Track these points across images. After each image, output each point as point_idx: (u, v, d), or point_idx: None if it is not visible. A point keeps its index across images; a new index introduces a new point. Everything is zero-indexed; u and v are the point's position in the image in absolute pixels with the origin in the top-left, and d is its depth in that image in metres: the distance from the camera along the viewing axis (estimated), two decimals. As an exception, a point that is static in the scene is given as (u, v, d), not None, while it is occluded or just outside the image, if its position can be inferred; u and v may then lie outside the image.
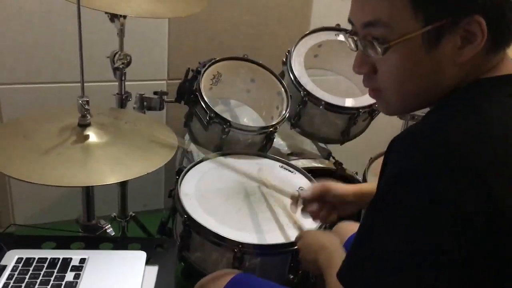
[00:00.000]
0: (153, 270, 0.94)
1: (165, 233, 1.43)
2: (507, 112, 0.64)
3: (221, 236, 1.14)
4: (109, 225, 1.26)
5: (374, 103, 1.59)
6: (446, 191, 0.58)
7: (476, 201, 0.58)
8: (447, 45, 0.65)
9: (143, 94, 1.53)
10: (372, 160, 1.80)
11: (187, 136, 1.71)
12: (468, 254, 0.59)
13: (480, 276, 0.61)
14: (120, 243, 1.01)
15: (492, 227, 0.58)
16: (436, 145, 0.61)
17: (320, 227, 1.22)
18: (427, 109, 0.74)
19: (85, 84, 1.07)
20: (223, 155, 1.45)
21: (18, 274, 0.88)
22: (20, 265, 0.90)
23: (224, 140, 1.45)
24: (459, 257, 0.59)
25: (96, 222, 1.25)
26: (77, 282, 0.88)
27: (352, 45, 0.73)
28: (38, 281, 0.87)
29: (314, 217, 1.13)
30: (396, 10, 0.65)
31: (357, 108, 1.57)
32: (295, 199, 1.15)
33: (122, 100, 1.50)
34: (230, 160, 1.43)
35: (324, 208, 1.11)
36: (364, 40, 0.70)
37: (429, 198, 0.59)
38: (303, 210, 1.14)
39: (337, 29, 1.67)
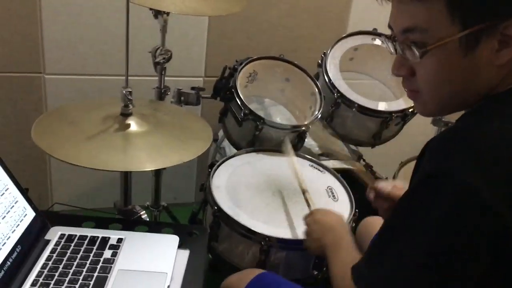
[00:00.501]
0: (185, 253, 0.99)
1: (195, 223, 1.48)
2: None
3: (249, 228, 1.18)
4: (144, 211, 1.32)
5: (407, 108, 1.60)
6: (478, 192, 0.60)
7: (503, 205, 0.60)
8: (484, 48, 0.67)
9: (181, 89, 1.58)
10: (402, 165, 1.80)
11: (221, 132, 1.76)
12: (492, 252, 0.61)
13: (498, 276, 0.63)
14: (155, 227, 1.06)
15: None
16: (470, 146, 0.63)
17: (348, 223, 1.24)
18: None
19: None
20: (255, 151, 1.49)
21: (60, 249, 0.95)
22: (63, 240, 0.97)
23: (257, 136, 1.49)
24: (485, 255, 0.62)
25: (132, 208, 1.31)
26: (114, 259, 0.93)
27: (392, 49, 0.76)
28: (79, 256, 0.93)
29: (379, 208, 1.13)
30: (434, 16, 0.67)
31: (390, 112, 1.58)
32: (373, 189, 1.12)
33: (161, 94, 1.56)
34: (262, 156, 1.47)
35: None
36: (403, 45, 0.72)
37: (461, 199, 0.61)
38: (374, 202, 1.12)
39: (374, 33, 1.69)
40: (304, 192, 1.23)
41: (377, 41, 1.69)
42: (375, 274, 0.69)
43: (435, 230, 0.63)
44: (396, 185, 1.09)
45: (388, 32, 0.77)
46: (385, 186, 1.09)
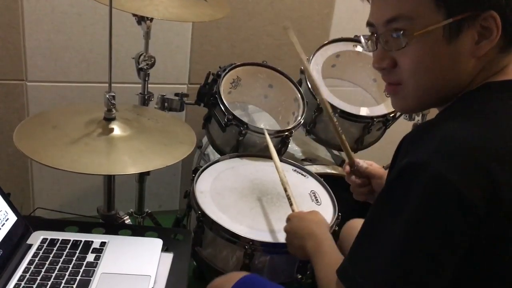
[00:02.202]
0: (169, 257, 0.99)
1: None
2: (510, 112, 0.69)
3: (233, 232, 1.18)
4: (128, 217, 1.32)
5: (388, 113, 1.63)
6: (452, 181, 0.62)
7: (480, 191, 0.62)
8: (465, 38, 0.70)
9: (165, 95, 1.59)
10: (384, 169, 1.82)
11: (205, 139, 1.77)
12: (470, 242, 0.64)
13: (480, 264, 0.65)
14: (138, 231, 1.06)
15: (492, 215, 0.63)
16: (444, 138, 0.65)
17: (331, 227, 1.25)
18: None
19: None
20: (239, 156, 1.50)
21: (42, 253, 0.94)
22: (45, 245, 0.96)
23: (240, 142, 1.50)
24: (462, 246, 0.64)
25: (115, 213, 1.30)
26: (97, 263, 0.93)
27: (370, 47, 0.78)
28: (61, 260, 0.93)
29: (352, 187, 1.17)
30: (419, 4, 0.70)
31: (372, 117, 1.61)
32: (350, 163, 1.16)
33: (145, 100, 1.56)
34: (245, 161, 1.48)
35: (365, 187, 1.16)
36: (386, 36, 0.74)
37: (435, 188, 0.63)
38: (348, 176, 1.17)
39: (355, 40, 1.72)
40: (285, 190, 1.23)
41: (359, 48, 1.72)
42: (358, 271, 0.70)
43: (411, 220, 0.65)
44: (373, 164, 1.15)
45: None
46: (363, 162, 1.15)
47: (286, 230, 1.10)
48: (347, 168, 1.17)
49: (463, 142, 0.64)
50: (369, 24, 0.78)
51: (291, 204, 1.19)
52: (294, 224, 1.08)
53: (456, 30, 0.69)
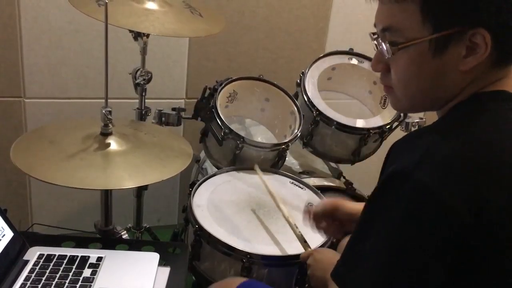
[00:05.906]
0: (165, 271, 0.99)
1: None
2: (497, 123, 0.69)
3: (230, 246, 1.18)
4: (125, 231, 1.31)
5: (384, 125, 1.63)
6: (435, 191, 0.63)
7: (463, 201, 0.62)
8: (452, 53, 0.70)
9: (162, 110, 1.60)
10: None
11: (202, 153, 1.77)
12: (455, 251, 0.64)
13: (465, 271, 0.65)
14: (135, 245, 1.06)
15: (477, 226, 0.63)
16: (429, 149, 0.66)
17: (327, 241, 1.25)
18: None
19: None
20: (236, 170, 1.50)
21: (39, 269, 0.94)
22: (41, 260, 0.96)
23: (237, 155, 1.50)
24: (447, 255, 0.64)
25: (113, 228, 1.30)
26: (93, 278, 0.93)
27: (375, 47, 0.80)
28: (58, 275, 0.93)
29: (325, 231, 1.19)
30: (407, 17, 0.71)
31: (368, 129, 1.61)
32: (307, 215, 1.20)
33: (142, 114, 1.57)
34: (242, 175, 1.49)
35: (334, 224, 1.17)
36: (382, 42, 0.76)
37: (418, 198, 0.64)
38: (315, 226, 1.19)
39: (351, 53, 1.73)
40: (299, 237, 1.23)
41: (354, 61, 1.73)
42: (352, 273, 0.71)
43: (396, 228, 0.66)
44: (324, 201, 1.18)
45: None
46: (316, 207, 1.18)
47: (309, 263, 1.10)
48: (307, 222, 1.20)
49: (447, 153, 0.65)
50: (375, 25, 0.80)
51: (306, 245, 1.18)
52: (316, 256, 1.09)
53: (443, 45, 0.70)
